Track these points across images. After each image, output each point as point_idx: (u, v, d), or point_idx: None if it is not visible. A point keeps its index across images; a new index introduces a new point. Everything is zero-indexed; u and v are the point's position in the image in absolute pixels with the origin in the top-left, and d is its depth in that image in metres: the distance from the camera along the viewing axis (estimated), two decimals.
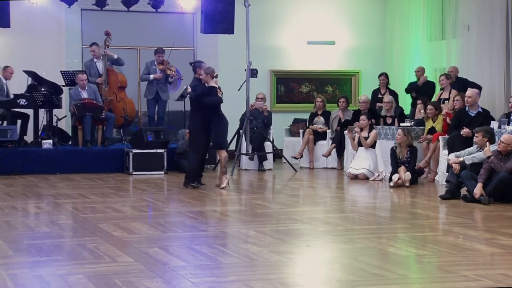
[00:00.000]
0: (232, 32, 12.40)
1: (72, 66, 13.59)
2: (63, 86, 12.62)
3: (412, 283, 5.13)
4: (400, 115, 12.31)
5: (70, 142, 12.78)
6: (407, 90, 13.18)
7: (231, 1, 12.36)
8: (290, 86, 15.48)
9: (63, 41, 13.14)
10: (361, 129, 11.57)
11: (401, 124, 11.54)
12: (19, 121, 12.57)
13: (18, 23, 12.19)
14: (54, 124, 12.47)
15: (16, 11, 12.03)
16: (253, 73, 12.52)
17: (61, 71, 12.65)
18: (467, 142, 9.82)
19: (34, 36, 13.41)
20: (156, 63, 13.07)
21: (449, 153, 9.82)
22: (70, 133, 13.05)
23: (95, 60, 12.98)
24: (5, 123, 12.55)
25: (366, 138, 11.48)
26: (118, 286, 4.67)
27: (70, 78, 12.65)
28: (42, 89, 12.07)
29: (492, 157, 8.64)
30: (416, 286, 5.08)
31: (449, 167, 9.37)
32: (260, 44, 14.25)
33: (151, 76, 12.99)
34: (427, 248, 6.10)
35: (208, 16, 12.24)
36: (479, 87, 11.22)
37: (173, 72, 13.06)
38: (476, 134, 9.17)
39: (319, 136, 13.32)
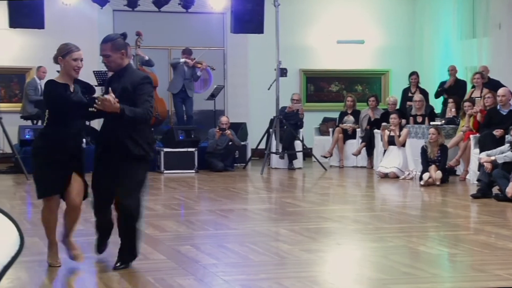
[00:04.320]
0: (262, 32, 12.41)
1: (104, 66, 13.70)
2: (96, 85, 12.73)
3: (443, 282, 5.09)
4: (430, 114, 12.22)
5: None
6: (438, 94, 13.03)
7: (260, 1, 12.37)
8: (320, 85, 15.45)
9: (96, 41, 13.18)
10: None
11: (432, 123, 11.45)
12: None
13: (52, 24, 12.31)
14: (87, 123, 12.58)
15: (50, 12, 12.16)
16: (283, 72, 12.51)
17: (93, 71, 12.75)
18: (499, 141, 9.73)
19: (68, 37, 13.34)
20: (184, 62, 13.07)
21: (480, 152, 9.73)
22: None
23: None
24: (39, 123, 12.70)
25: (398, 136, 11.44)
26: (151, 283, 4.70)
27: (102, 77, 12.74)
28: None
29: None
30: (447, 285, 5.04)
31: (481, 166, 9.28)
32: (290, 44, 14.23)
33: (181, 60, 12.98)
34: (458, 247, 6.04)
35: (238, 16, 12.26)
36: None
37: (204, 64, 13.05)
38: (511, 133, 9.10)
39: (349, 135, 13.28)
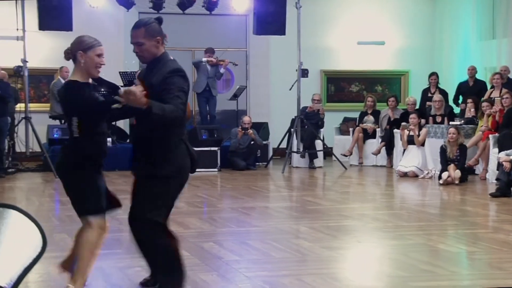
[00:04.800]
0: (284, 33, 12.41)
1: (130, 67, 13.78)
2: (122, 86, 12.80)
3: (462, 280, 5.07)
4: (449, 114, 12.16)
5: (128, 140, 12.97)
6: (455, 97, 12.94)
7: (282, 3, 12.37)
8: (341, 85, 15.41)
9: (122, 43, 13.31)
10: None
11: (451, 123, 11.39)
12: None
13: (79, 26, 12.39)
14: (113, 123, 12.67)
15: (78, 15, 12.26)
16: (304, 73, 12.51)
17: (119, 72, 12.83)
18: None
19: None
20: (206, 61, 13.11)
21: (499, 152, 9.66)
22: (127, 131, 13.24)
23: None
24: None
25: (417, 136, 11.40)
26: None
27: (128, 78, 12.82)
28: (102, 89, 12.24)
29: None
30: (466, 282, 5.02)
31: (500, 165, 9.22)
32: (311, 45, 14.22)
33: (204, 59, 13.02)
34: (477, 245, 6.01)
35: (260, 17, 12.28)
36: None
37: (226, 61, 13.07)
38: None
39: (369, 134, 13.25)
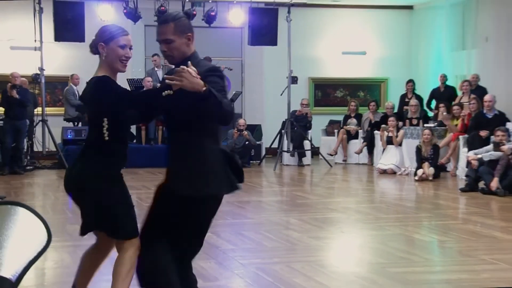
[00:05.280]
0: (276, 44, 12.43)
1: (137, 74, 13.76)
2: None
3: (435, 266, 5.09)
4: (424, 117, 12.19)
5: (134, 141, 12.95)
6: (428, 102, 12.95)
7: (274, 17, 12.40)
8: (327, 91, 15.42)
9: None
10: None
11: (425, 125, 11.41)
12: None
13: (91, 37, 12.29)
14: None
15: (90, 27, 12.22)
16: (294, 80, 12.53)
17: (127, 79, 12.80)
18: (485, 141, 9.70)
19: None
20: None
21: (468, 151, 9.70)
22: (134, 132, 13.22)
23: (156, 69, 13.11)
24: (79, 124, 12.80)
25: (395, 137, 11.43)
26: None
27: (135, 85, 12.80)
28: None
29: (510, 153, 8.52)
30: (438, 268, 5.04)
31: (468, 163, 9.26)
32: (300, 54, 14.22)
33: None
34: (448, 235, 6.03)
35: (254, 30, 12.30)
36: None
37: (222, 66, 13.06)
38: (497, 133, 9.07)
39: (352, 135, 13.26)
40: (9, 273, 1.28)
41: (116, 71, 3.23)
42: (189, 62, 2.92)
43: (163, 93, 2.94)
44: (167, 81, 2.86)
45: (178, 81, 2.83)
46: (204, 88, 2.84)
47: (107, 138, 3.15)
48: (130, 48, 3.23)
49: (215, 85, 2.97)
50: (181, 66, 2.85)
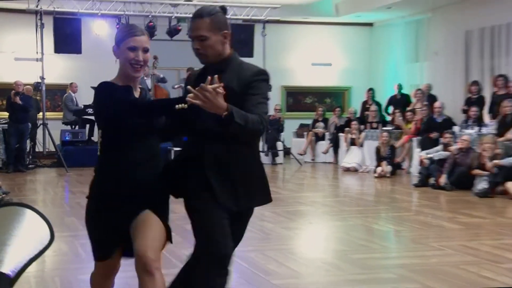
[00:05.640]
0: (252, 56, 12.43)
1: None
2: None
3: (391, 252, 5.13)
4: (382, 121, 12.27)
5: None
6: (386, 108, 13.04)
7: (251, 32, 12.42)
8: (297, 98, 15.46)
9: None
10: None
11: (384, 128, 11.50)
12: (87, 126, 12.69)
13: (87, 50, 12.25)
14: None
15: (86, 41, 12.15)
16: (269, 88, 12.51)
17: None
18: (435, 142, 9.81)
19: (100, 60, 13.45)
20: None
21: (421, 151, 9.80)
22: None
23: (145, 78, 13.03)
24: (76, 127, 12.68)
25: (357, 139, 11.50)
26: (163, 254, 4.70)
27: None
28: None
29: (456, 153, 8.64)
30: (394, 254, 5.08)
31: (421, 161, 9.36)
32: (274, 65, 14.22)
33: (183, 85, 12.99)
34: (403, 225, 6.09)
35: (234, 44, 12.24)
36: None
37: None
38: (445, 136, 9.20)
39: (319, 137, 13.31)
40: (8, 268, 1.25)
41: (129, 77, 2.53)
42: (216, 76, 2.35)
43: (177, 106, 2.35)
44: (187, 98, 2.29)
45: (200, 100, 2.27)
46: (225, 113, 2.31)
47: (98, 152, 2.54)
48: (145, 51, 2.51)
49: (256, 96, 2.51)
50: (208, 85, 2.27)
